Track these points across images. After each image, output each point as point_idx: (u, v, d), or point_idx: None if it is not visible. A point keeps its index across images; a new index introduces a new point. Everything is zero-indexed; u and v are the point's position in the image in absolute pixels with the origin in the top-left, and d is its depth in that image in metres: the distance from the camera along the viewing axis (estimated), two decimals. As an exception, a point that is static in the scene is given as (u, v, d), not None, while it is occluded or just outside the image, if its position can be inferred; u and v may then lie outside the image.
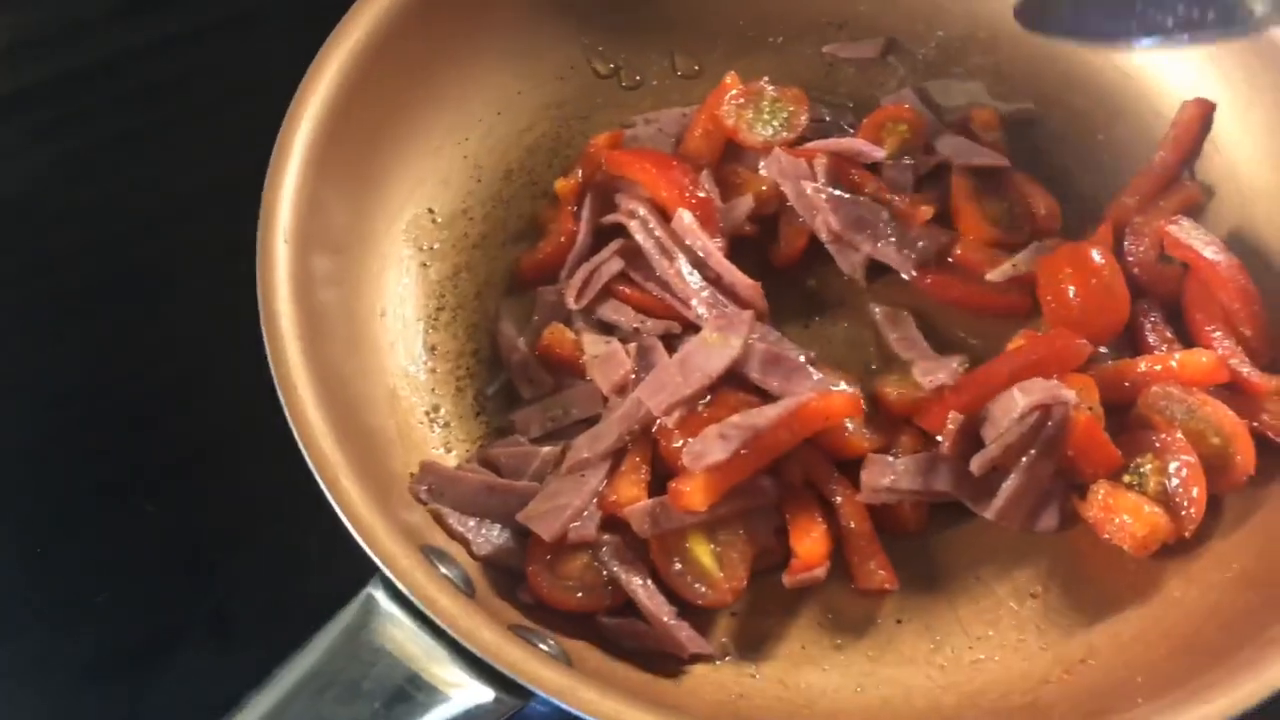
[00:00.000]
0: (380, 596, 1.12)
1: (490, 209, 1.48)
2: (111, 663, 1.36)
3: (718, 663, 1.24)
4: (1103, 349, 1.37)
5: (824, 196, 1.40)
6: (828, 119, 1.54)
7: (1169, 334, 1.38)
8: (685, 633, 1.22)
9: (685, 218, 1.38)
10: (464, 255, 1.45)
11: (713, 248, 1.37)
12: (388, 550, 1.11)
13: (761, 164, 1.44)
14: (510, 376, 1.38)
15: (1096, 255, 1.37)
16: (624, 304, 1.40)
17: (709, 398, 1.28)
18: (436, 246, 1.44)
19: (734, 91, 1.47)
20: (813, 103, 1.49)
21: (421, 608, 1.09)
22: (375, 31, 1.39)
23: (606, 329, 1.39)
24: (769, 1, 1.60)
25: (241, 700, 1.07)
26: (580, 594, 1.23)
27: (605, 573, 1.24)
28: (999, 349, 1.36)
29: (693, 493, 1.20)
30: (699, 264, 1.38)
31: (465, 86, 1.50)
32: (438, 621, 1.08)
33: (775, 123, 1.46)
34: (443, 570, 1.14)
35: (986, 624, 1.28)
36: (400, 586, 1.10)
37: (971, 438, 1.29)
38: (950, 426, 1.28)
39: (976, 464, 1.27)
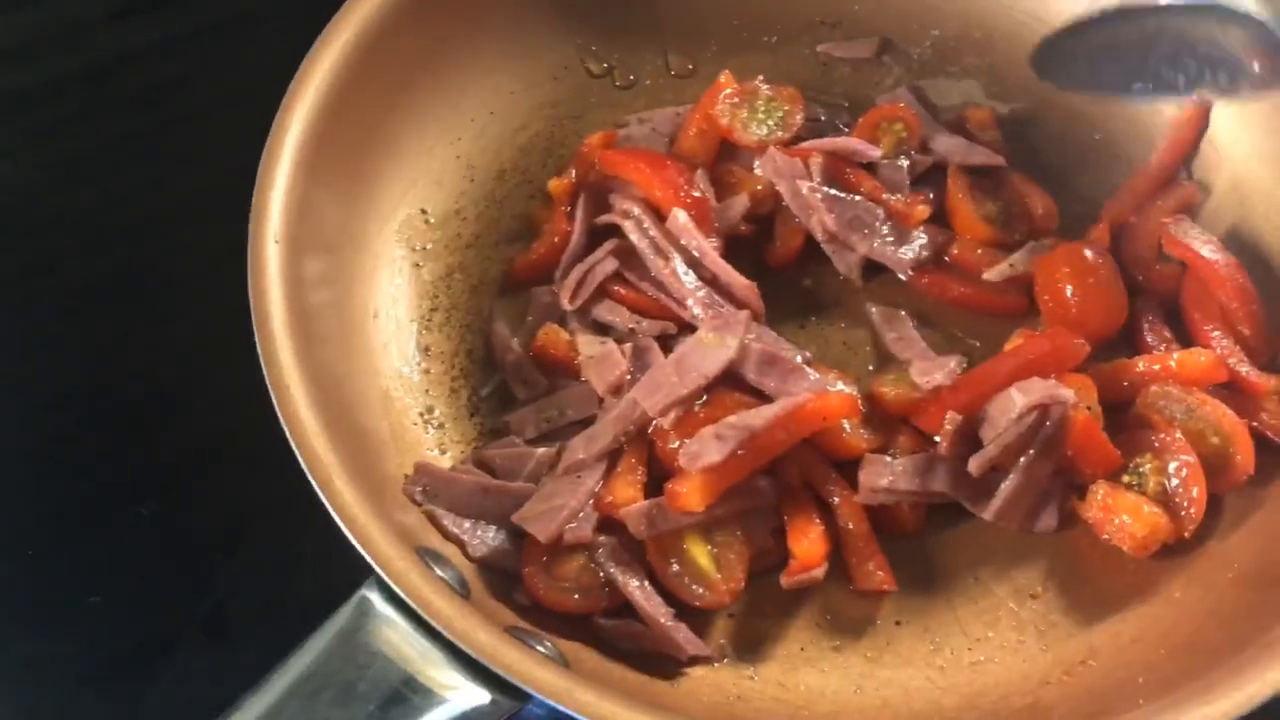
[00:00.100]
0: (375, 598, 1.11)
1: (483, 209, 1.47)
2: (108, 664, 1.35)
3: (715, 664, 1.24)
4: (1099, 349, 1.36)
5: (819, 196, 1.40)
6: (823, 118, 1.54)
7: (1167, 333, 1.38)
8: (683, 634, 1.21)
9: (680, 217, 1.37)
10: (457, 256, 1.44)
11: (708, 247, 1.37)
12: (382, 552, 1.10)
13: (757, 163, 1.44)
14: (505, 377, 1.38)
15: (1094, 255, 1.37)
16: (619, 304, 1.39)
17: (705, 398, 1.27)
18: (429, 247, 1.43)
19: (728, 91, 1.47)
20: (808, 102, 1.49)
21: (417, 610, 1.08)
22: (366, 31, 1.38)
23: (601, 329, 1.38)
24: (762, 1, 1.59)
25: (236, 702, 1.06)
26: (577, 595, 1.22)
27: (602, 574, 1.23)
28: (996, 349, 1.36)
29: (689, 494, 1.20)
30: (694, 264, 1.37)
31: (458, 86, 1.49)
32: (433, 623, 1.07)
33: (770, 122, 1.46)
34: (438, 572, 1.13)
35: (986, 625, 1.27)
36: (395, 588, 1.09)
37: (969, 438, 1.29)
38: (948, 427, 1.28)
39: (975, 464, 1.26)
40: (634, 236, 1.38)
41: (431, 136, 1.47)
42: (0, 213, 1.61)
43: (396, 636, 1.09)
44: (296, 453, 1.14)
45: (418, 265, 1.42)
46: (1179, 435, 1.27)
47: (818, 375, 1.29)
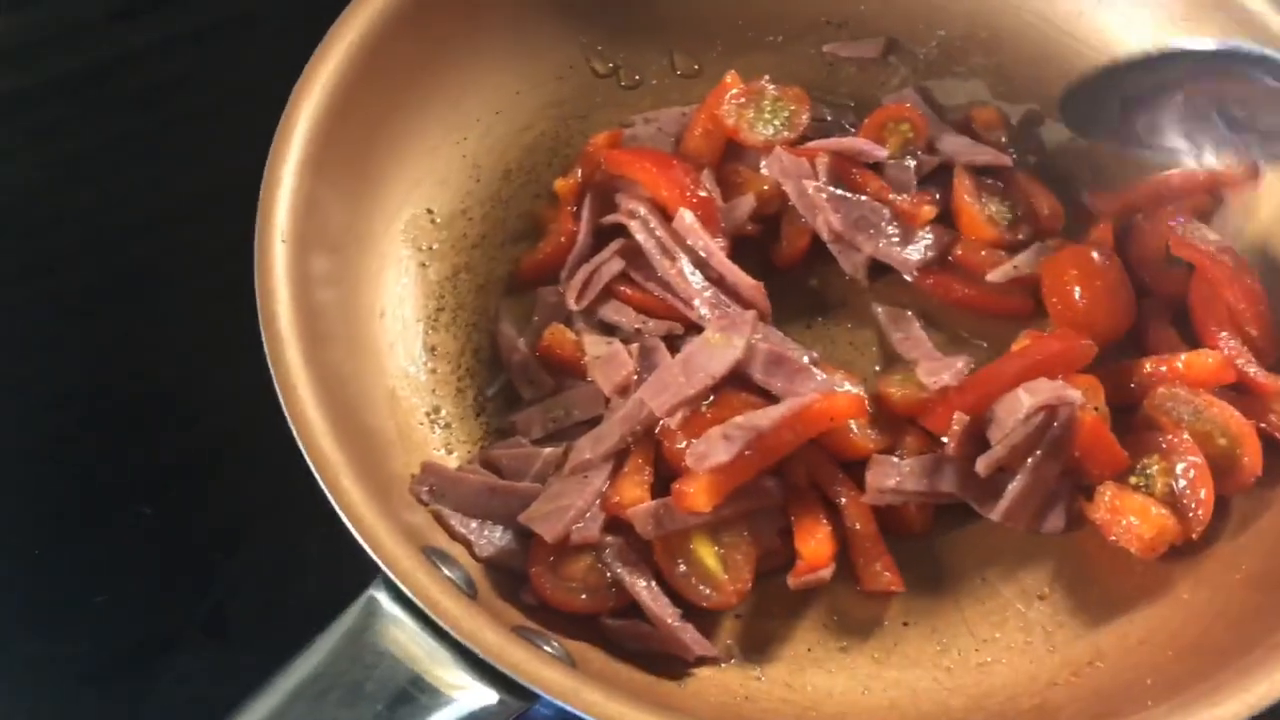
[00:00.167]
0: (382, 598, 1.10)
1: (489, 209, 1.47)
2: (109, 664, 1.35)
3: (722, 665, 1.24)
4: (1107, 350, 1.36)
5: (825, 196, 1.40)
6: (829, 118, 1.54)
7: (1175, 335, 1.38)
8: (690, 635, 1.21)
9: (687, 217, 1.37)
10: (463, 255, 1.44)
11: (714, 248, 1.37)
12: (390, 552, 1.10)
13: (763, 163, 1.44)
14: (511, 377, 1.37)
15: (1101, 257, 1.37)
16: (625, 304, 1.39)
17: (712, 398, 1.27)
18: (435, 247, 1.43)
19: (734, 91, 1.47)
20: (814, 102, 1.49)
21: (424, 609, 1.08)
22: (372, 31, 1.38)
23: (608, 329, 1.38)
24: (768, 1, 1.59)
25: (244, 702, 1.06)
26: (584, 595, 1.22)
27: (609, 574, 1.23)
28: (1002, 349, 1.36)
29: (696, 494, 1.20)
30: (701, 264, 1.37)
31: (463, 86, 1.49)
32: (441, 623, 1.07)
33: (776, 122, 1.46)
34: (445, 571, 1.13)
35: (993, 626, 1.27)
36: (403, 588, 1.08)
37: (977, 439, 1.28)
38: (955, 428, 1.28)
39: (982, 465, 1.26)
40: (640, 236, 1.38)
41: (437, 136, 1.47)
42: (9, 210, 1.61)
43: (404, 636, 1.09)
44: (304, 452, 1.14)
45: (424, 265, 1.42)
46: (1187, 436, 1.27)
47: (825, 375, 1.29)
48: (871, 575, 1.27)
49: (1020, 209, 1.46)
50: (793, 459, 1.27)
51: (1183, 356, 1.32)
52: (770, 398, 1.28)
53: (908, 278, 1.43)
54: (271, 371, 1.17)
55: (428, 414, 1.35)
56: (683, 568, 1.22)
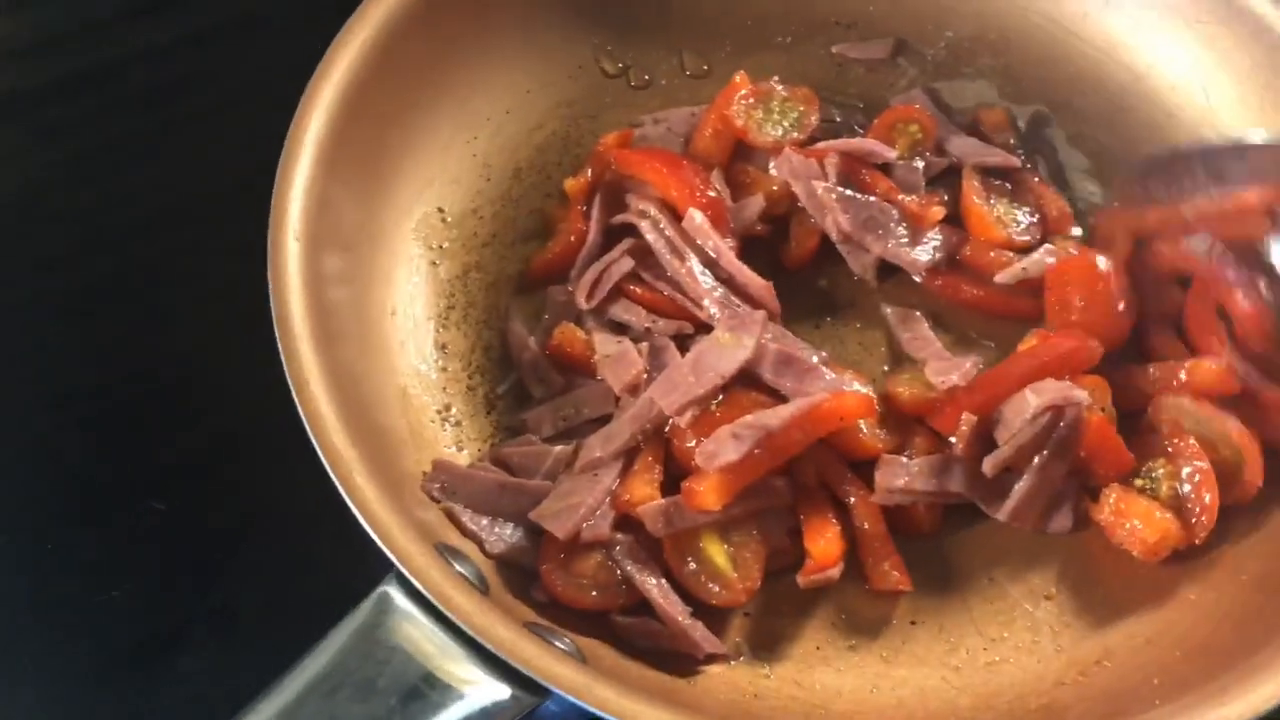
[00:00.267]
0: (394, 594, 1.11)
1: (500, 208, 1.48)
2: (118, 661, 1.35)
3: (732, 663, 1.24)
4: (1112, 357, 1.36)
5: (835, 197, 1.40)
6: (838, 119, 1.55)
7: (1180, 342, 1.38)
8: (700, 632, 1.21)
9: (696, 217, 1.37)
10: (474, 254, 1.45)
11: (724, 247, 1.37)
12: (403, 548, 1.11)
13: (772, 164, 1.44)
14: (521, 376, 1.38)
15: (1104, 263, 1.36)
16: (635, 304, 1.39)
17: (721, 398, 1.28)
18: (446, 245, 1.44)
19: (744, 91, 1.47)
20: (823, 103, 1.49)
21: (437, 605, 1.08)
22: (383, 30, 1.38)
23: (618, 328, 1.39)
24: (777, 2, 1.60)
25: (257, 697, 1.06)
26: (594, 592, 1.22)
27: (619, 572, 1.23)
28: (1010, 350, 1.36)
29: (706, 492, 1.20)
30: (710, 264, 1.38)
31: (474, 85, 1.49)
32: (454, 619, 1.07)
33: (785, 123, 1.46)
34: (457, 568, 1.13)
35: (1001, 625, 1.28)
36: (416, 584, 1.09)
37: (984, 439, 1.29)
38: (963, 428, 1.28)
39: (989, 465, 1.26)
40: (650, 236, 1.39)
41: (448, 135, 1.47)
42: (10, 210, 1.61)
43: (416, 632, 1.09)
44: (317, 448, 1.14)
45: (435, 263, 1.42)
46: (1193, 441, 1.27)
47: (834, 375, 1.30)
48: (880, 575, 1.28)
49: (1029, 210, 1.46)
50: (802, 458, 1.28)
51: (1186, 364, 1.32)
52: (780, 397, 1.29)
53: (916, 278, 1.43)
54: (285, 369, 1.18)
55: (439, 412, 1.35)
56: (692, 565, 1.23)
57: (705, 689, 1.21)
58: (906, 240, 1.42)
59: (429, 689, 1.07)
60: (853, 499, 1.29)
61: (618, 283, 1.39)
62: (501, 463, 1.31)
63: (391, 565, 1.11)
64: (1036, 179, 1.49)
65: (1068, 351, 1.30)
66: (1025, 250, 1.43)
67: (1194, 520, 1.25)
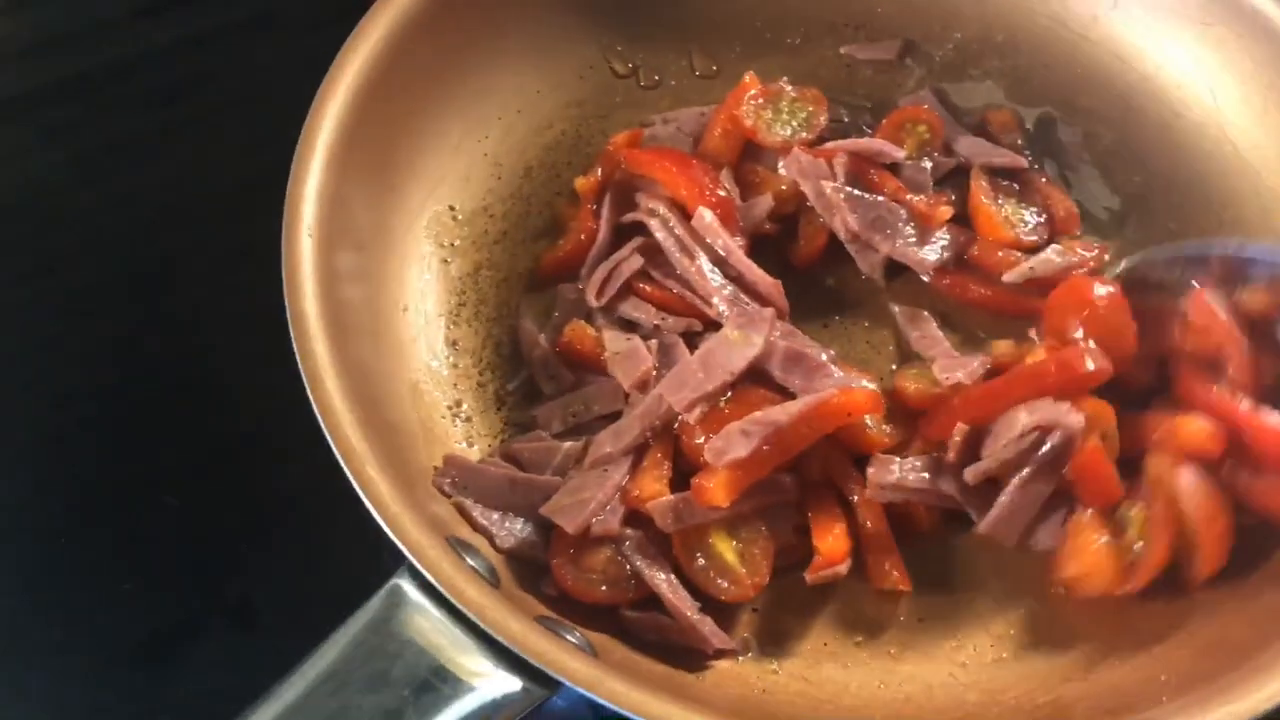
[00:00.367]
0: (406, 587, 1.11)
1: (510, 206, 1.49)
2: (135, 655, 1.36)
3: (740, 658, 1.25)
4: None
5: (843, 196, 1.41)
6: (846, 120, 1.55)
7: (1205, 386, 1.30)
8: (709, 627, 1.22)
9: (706, 216, 1.38)
10: (485, 252, 1.45)
11: (733, 246, 1.38)
12: (415, 541, 1.11)
13: (781, 163, 1.45)
14: (531, 372, 1.39)
15: (1103, 291, 1.32)
16: (644, 301, 1.40)
17: (730, 395, 1.28)
18: (457, 243, 1.44)
19: (753, 92, 1.48)
20: (831, 103, 1.50)
21: (450, 598, 1.09)
22: (395, 31, 1.39)
23: (627, 326, 1.39)
24: (786, 3, 1.60)
25: (270, 688, 1.07)
26: (604, 587, 1.23)
27: (628, 566, 1.24)
28: (1016, 349, 1.37)
29: (715, 489, 1.21)
30: (719, 262, 1.38)
31: (485, 85, 1.50)
32: (466, 612, 1.08)
33: (794, 123, 1.47)
34: (469, 561, 1.14)
35: (1008, 623, 1.28)
36: (429, 577, 1.10)
37: (977, 449, 1.29)
38: (956, 437, 1.28)
39: (970, 474, 1.27)
40: (660, 234, 1.40)
41: (459, 134, 1.48)
42: (11, 210, 1.62)
43: (428, 625, 1.10)
44: (331, 443, 1.15)
45: (446, 261, 1.43)
46: (1166, 506, 1.23)
47: (842, 373, 1.30)
48: (880, 574, 1.28)
49: (1036, 210, 1.47)
50: (809, 455, 1.28)
51: (1175, 420, 1.26)
52: (788, 394, 1.30)
53: (924, 278, 1.43)
54: (299, 364, 1.19)
55: (449, 408, 1.36)
56: (701, 561, 1.24)
57: (714, 684, 1.22)
58: (914, 240, 1.42)
59: (440, 681, 1.08)
60: (857, 496, 1.30)
61: (627, 280, 1.40)
62: (512, 458, 1.32)
63: (403, 559, 1.12)
64: (1044, 179, 1.50)
65: (1073, 371, 1.27)
66: (1033, 250, 1.43)
67: (1130, 577, 1.23)
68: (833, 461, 1.31)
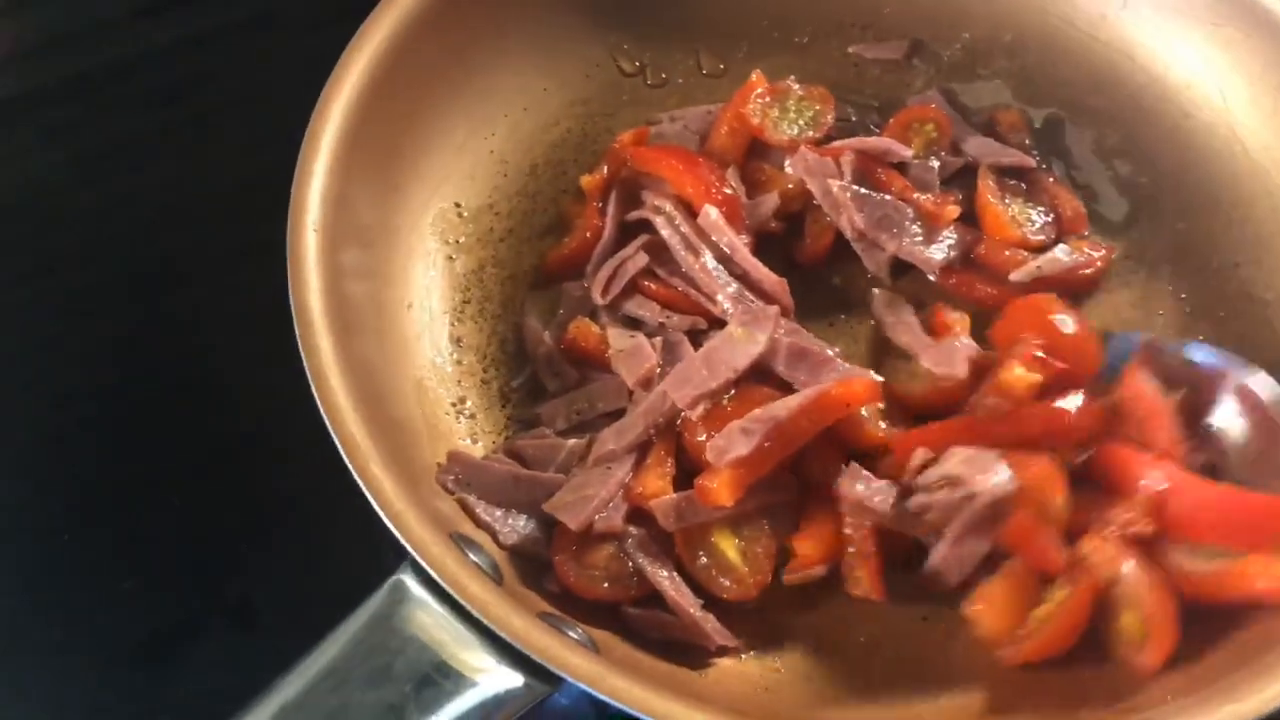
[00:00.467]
0: (409, 583, 1.11)
1: (516, 204, 1.48)
2: (135, 654, 1.36)
3: (742, 656, 1.24)
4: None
5: (850, 195, 1.41)
6: (853, 119, 1.55)
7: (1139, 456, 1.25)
8: (711, 624, 1.22)
9: (711, 214, 1.38)
10: (490, 249, 1.45)
11: (739, 244, 1.37)
12: (419, 537, 1.11)
13: (787, 162, 1.44)
14: (536, 370, 1.39)
15: (1062, 315, 1.31)
16: (649, 299, 1.40)
17: (733, 392, 1.28)
18: (462, 240, 1.44)
19: (760, 90, 1.47)
20: (838, 102, 1.49)
21: (453, 594, 1.08)
22: (401, 28, 1.39)
23: (632, 324, 1.39)
24: (794, 2, 1.60)
25: (272, 683, 1.07)
26: (606, 584, 1.23)
27: (631, 564, 1.23)
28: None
29: (719, 488, 1.20)
30: (725, 260, 1.38)
31: (491, 83, 1.50)
32: (469, 608, 1.08)
33: (801, 121, 1.46)
34: (472, 558, 1.13)
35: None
36: (432, 573, 1.09)
37: None
38: (914, 463, 1.26)
39: (910, 504, 1.24)
40: (665, 232, 1.39)
41: (465, 132, 1.48)
42: (12, 211, 1.62)
43: (430, 620, 1.10)
44: (335, 439, 1.15)
45: (451, 258, 1.43)
46: (1080, 601, 1.19)
47: (848, 366, 1.30)
48: (852, 579, 1.25)
49: (1043, 210, 1.46)
50: (808, 455, 1.27)
51: (1111, 504, 1.23)
52: (791, 392, 1.28)
53: (931, 276, 1.43)
54: (304, 360, 1.18)
55: (453, 404, 1.36)
56: (704, 560, 1.23)
57: (716, 681, 1.21)
58: (921, 239, 1.42)
59: (442, 677, 1.07)
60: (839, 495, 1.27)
61: (632, 278, 1.40)
62: (515, 455, 1.31)
63: (404, 556, 1.11)
64: (1051, 179, 1.49)
65: (1055, 427, 1.25)
66: (1040, 249, 1.43)
67: (1016, 647, 1.20)
68: (824, 461, 1.29)
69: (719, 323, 1.36)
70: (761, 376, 1.30)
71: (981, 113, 1.56)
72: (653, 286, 1.40)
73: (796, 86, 1.49)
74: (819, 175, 1.42)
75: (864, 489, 1.25)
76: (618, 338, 1.36)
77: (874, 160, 1.44)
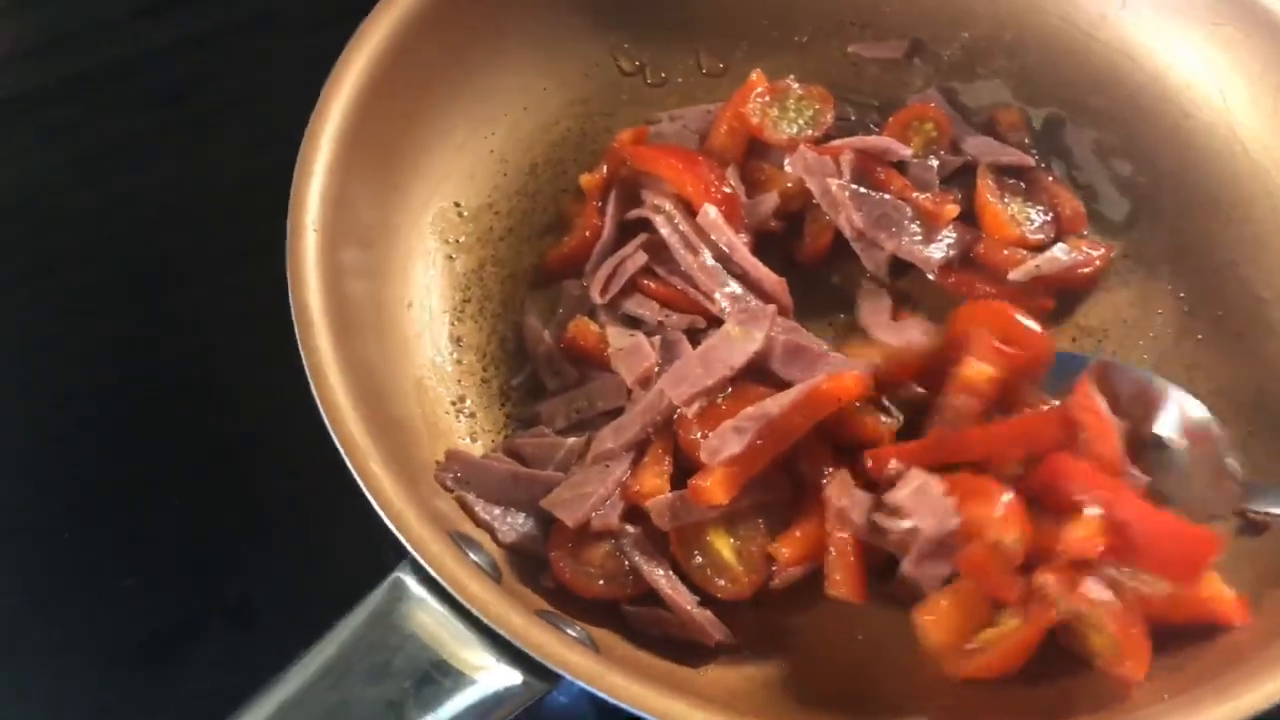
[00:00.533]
0: (408, 580, 1.11)
1: (516, 203, 1.48)
2: (135, 654, 1.36)
3: (741, 653, 1.24)
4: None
5: (849, 194, 1.41)
6: (853, 118, 1.55)
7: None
8: (709, 620, 1.22)
9: (710, 213, 1.38)
10: (490, 248, 1.45)
11: (738, 243, 1.38)
12: (418, 535, 1.11)
13: (787, 161, 1.44)
14: (535, 368, 1.39)
15: (1020, 320, 1.29)
16: (648, 298, 1.40)
17: (729, 390, 1.28)
18: (462, 239, 1.44)
19: (759, 89, 1.47)
20: (838, 101, 1.50)
21: (453, 592, 1.08)
22: (401, 28, 1.39)
23: (631, 323, 1.39)
24: (793, 1, 1.60)
25: (271, 680, 1.07)
26: (602, 581, 1.23)
27: (627, 562, 1.24)
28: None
29: (713, 487, 1.20)
30: (724, 259, 1.38)
31: (490, 83, 1.50)
32: (469, 606, 1.08)
33: (800, 121, 1.47)
34: (471, 556, 1.13)
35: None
36: (431, 572, 1.09)
37: None
38: (889, 472, 1.25)
39: (877, 517, 1.24)
40: (664, 231, 1.39)
41: (465, 132, 1.48)
42: (12, 211, 1.63)
43: (429, 618, 1.10)
44: (334, 437, 1.15)
45: (451, 257, 1.43)
46: (1029, 633, 1.18)
47: (840, 360, 1.28)
48: (831, 581, 1.23)
49: (1042, 209, 1.46)
50: (800, 453, 1.27)
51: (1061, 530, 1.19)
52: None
53: (930, 275, 1.43)
54: (303, 359, 1.18)
55: (453, 403, 1.36)
56: (698, 559, 1.23)
57: (714, 678, 1.21)
58: (920, 238, 1.42)
59: (441, 674, 1.07)
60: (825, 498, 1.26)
61: (632, 277, 1.40)
62: (515, 454, 1.31)
63: (404, 555, 1.11)
64: (1051, 178, 1.49)
65: (1018, 439, 1.24)
66: (1039, 248, 1.43)
67: (964, 659, 1.19)
68: (817, 459, 1.28)
69: (718, 322, 1.36)
70: (759, 375, 1.30)
71: (981, 112, 1.56)
72: (652, 285, 1.40)
73: (796, 86, 1.49)
74: (818, 174, 1.42)
75: (846, 501, 1.24)
76: (617, 336, 1.36)
77: (873, 159, 1.44)
